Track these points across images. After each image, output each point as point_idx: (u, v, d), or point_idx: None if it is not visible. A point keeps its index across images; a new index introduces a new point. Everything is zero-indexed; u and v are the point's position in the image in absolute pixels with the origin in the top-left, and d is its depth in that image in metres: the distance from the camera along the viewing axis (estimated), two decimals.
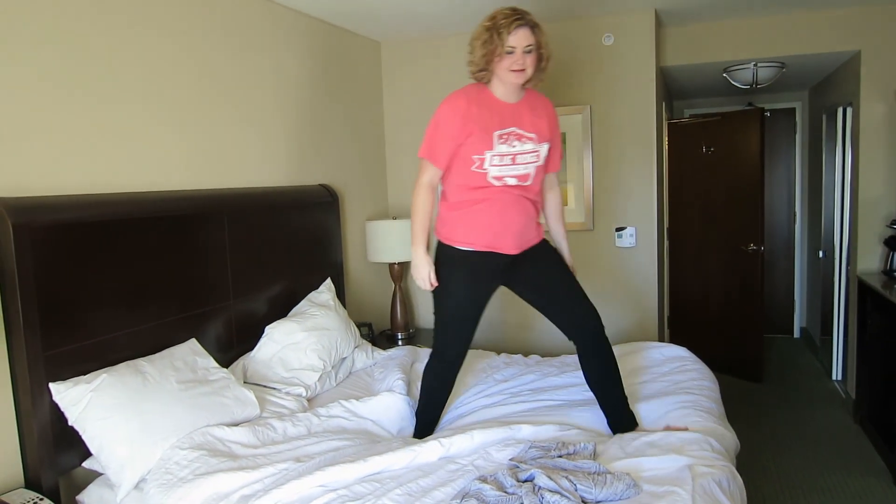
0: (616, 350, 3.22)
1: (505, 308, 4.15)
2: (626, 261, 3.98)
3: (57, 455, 2.11)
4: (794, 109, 5.99)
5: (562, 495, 1.78)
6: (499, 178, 2.31)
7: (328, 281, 3.40)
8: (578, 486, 1.83)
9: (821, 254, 5.13)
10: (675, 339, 4.99)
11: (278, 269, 3.20)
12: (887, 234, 3.86)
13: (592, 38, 3.91)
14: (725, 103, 5.90)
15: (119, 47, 2.43)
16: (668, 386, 2.75)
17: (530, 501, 1.76)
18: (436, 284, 2.41)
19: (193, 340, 2.58)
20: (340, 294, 3.57)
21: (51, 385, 2.08)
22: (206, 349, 2.59)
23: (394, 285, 4.01)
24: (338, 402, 2.69)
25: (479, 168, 2.29)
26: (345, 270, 3.79)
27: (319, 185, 3.60)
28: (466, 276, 2.43)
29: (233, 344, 2.88)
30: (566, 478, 1.86)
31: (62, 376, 2.12)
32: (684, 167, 4.98)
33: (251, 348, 2.92)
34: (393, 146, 4.40)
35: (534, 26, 2.24)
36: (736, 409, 4.24)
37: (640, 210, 3.92)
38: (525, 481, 1.89)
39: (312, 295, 3.26)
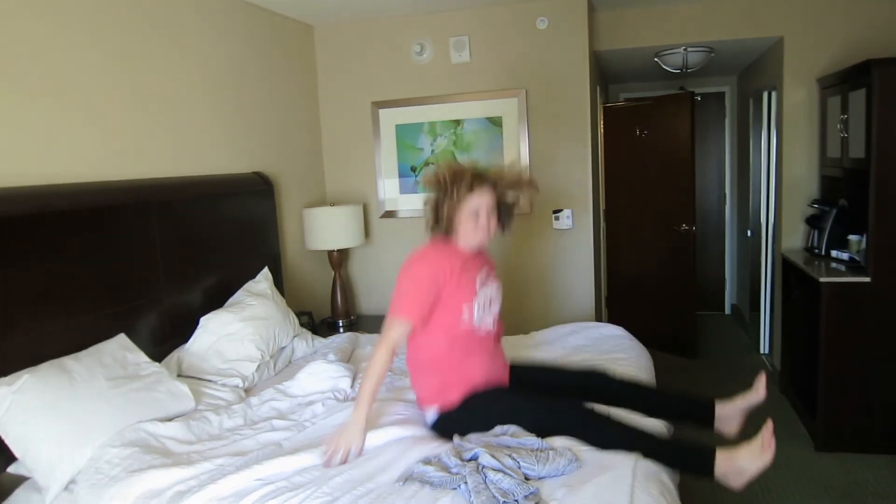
0: (555, 330, 3.31)
1: None
2: (563, 243, 4.04)
3: None
4: (723, 93, 6.17)
5: (505, 473, 1.80)
6: (479, 326, 2.28)
7: (265, 270, 3.34)
8: (522, 463, 1.87)
9: (749, 233, 5.32)
10: (613, 318, 5.10)
11: (212, 260, 3.13)
12: (809, 213, 4.03)
13: (527, 22, 3.92)
14: (658, 87, 6.03)
15: (27, 34, 2.31)
16: (608, 364, 2.81)
17: (474, 480, 1.78)
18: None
19: (122, 336, 2.50)
20: (279, 283, 3.51)
21: None
22: (138, 344, 2.52)
23: (333, 273, 3.98)
24: (271, 387, 2.67)
25: (468, 317, 2.24)
26: (282, 259, 3.73)
27: (253, 172, 3.52)
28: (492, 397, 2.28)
29: (167, 337, 2.81)
30: (509, 455, 1.89)
31: None
32: (619, 150, 5.07)
33: (185, 341, 2.85)
34: (329, 132, 4.34)
35: (495, 184, 2.29)
36: (672, 383, 4.38)
37: (577, 192, 3.99)
38: (469, 461, 1.91)
39: (249, 284, 3.20)
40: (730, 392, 4.20)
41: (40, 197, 2.30)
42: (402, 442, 2.16)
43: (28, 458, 2.02)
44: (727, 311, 6.40)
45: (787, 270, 4.02)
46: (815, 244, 3.86)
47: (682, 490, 2.06)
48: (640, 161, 5.01)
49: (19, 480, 2.12)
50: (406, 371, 2.52)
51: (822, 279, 3.31)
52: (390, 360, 2.20)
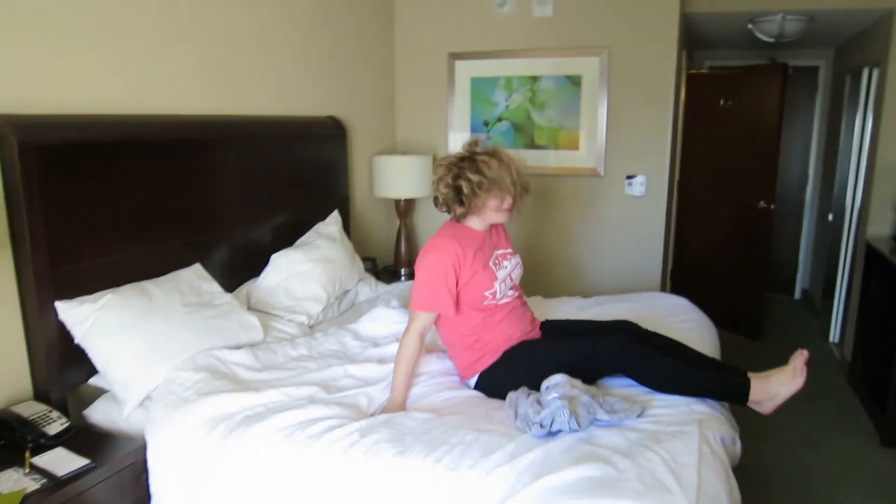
0: (618, 298, 3.26)
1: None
2: (634, 209, 3.95)
3: (64, 371, 2.14)
4: (817, 68, 5.85)
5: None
6: (501, 299, 2.35)
7: (335, 213, 3.39)
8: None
9: (830, 216, 5.09)
10: (676, 291, 5.00)
11: (284, 199, 3.18)
12: None
13: None
14: (745, 57, 5.76)
15: None
16: (674, 334, 2.77)
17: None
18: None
19: (198, 265, 2.58)
20: (346, 227, 3.56)
21: (57, 303, 2.09)
22: (210, 275, 2.60)
23: (399, 221, 4.00)
24: (335, 326, 2.74)
25: (492, 300, 2.31)
26: (350, 204, 3.77)
27: (328, 116, 3.54)
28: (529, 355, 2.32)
29: (237, 271, 2.89)
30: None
31: (68, 295, 2.12)
32: (700, 120, 4.90)
33: (255, 276, 2.93)
34: (403, 81, 4.32)
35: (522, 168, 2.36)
36: (732, 363, 4.28)
37: (653, 159, 3.88)
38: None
39: (319, 226, 3.25)
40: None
41: (136, 125, 2.38)
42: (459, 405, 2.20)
43: (108, 373, 2.13)
44: (797, 295, 6.18)
45: (871, 258, 3.84)
46: None
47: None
48: (720, 132, 4.83)
49: (99, 392, 2.24)
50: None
51: None
52: (419, 347, 2.25)
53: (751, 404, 2.14)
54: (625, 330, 2.36)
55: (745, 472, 2.91)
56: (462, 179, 2.28)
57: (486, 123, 4.14)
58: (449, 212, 2.40)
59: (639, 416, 2.01)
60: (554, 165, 4.03)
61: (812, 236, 5.98)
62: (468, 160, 2.31)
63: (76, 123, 2.16)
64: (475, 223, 2.38)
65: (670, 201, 4.16)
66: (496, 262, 2.37)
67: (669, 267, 4.94)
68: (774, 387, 2.14)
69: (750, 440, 2.23)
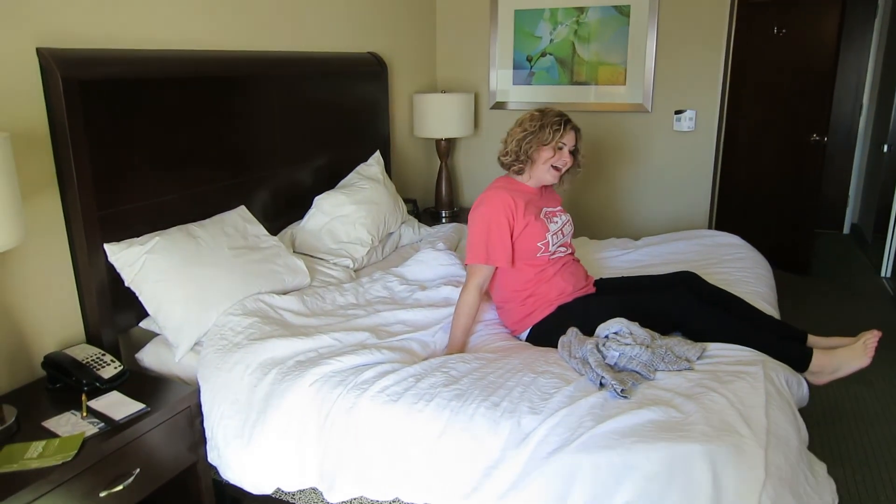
0: (667, 238, 3.17)
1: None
2: (683, 146, 3.80)
3: (115, 314, 2.15)
4: None
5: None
6: (554, 253, 2.33)
7: (377, 154, 3.31)
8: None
9: (885, 148, 4.87)
10: (723, 228, 4.86)
11: (326, 139, 3.11)
12: None
13: None
14: None
15: None
16: (728, 272, 2.69)
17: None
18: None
19: (243, 207, 2.54)
20: (387, 168, 3.48)
21: (105, 246, 2.07)
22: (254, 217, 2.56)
23: (440, 162, 3.91)
24: (381, 270, 2.70)
25: (545, 252, 2.29)
26: (391, 144, 3.69)
27: (368, 53, 3.43)
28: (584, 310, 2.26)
29: (280, 213, 2.85)
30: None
31: (116, 237, 2.11)
32: (751, 49, 4.64)
33: (297, 218, 2.89)
34: (444, 15, 4.15)
35: (578, 130, 2.35)
36: (780, 300, 4.18)
37: (703, 93, 3.70)
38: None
39: (361, 167, 3.18)
40: (842, 314, 3.99)
41: (178, 61, 2.31)
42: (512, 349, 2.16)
43: (160, 316, 2.12)
44: (846, 230, 5.99)
45: None
46: None
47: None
48: (773, 63, 4.58)
49: (150, 335, 2.25)
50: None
51: None
52: (479, 300, 2.23)
53: (807, 374, 2.07)
54: (684, 284, 2.31)
55: (804, 412, 2.87)
56: (524, 127, 2.31)
57: (529, 59, 3.98)
58: (508, 167, 2.39)
59: (699, 357, 1.95)
60: (599, 101, 3.88)
61: (864, 169, 5.74)
62: (539, 113, 2.33)
63: (119, 58, 2.10)
64: (527, 180, 2.37)
65: (720, 136, 3.99)
66: (546, 216, 2.35)
67: (716, 203, 4.79)
68: (838, 361, 2.08)
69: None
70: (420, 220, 3.56)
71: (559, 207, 2.48)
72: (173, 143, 2.31)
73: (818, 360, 2.08)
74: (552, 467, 1.60)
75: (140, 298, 2.13)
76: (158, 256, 2.11)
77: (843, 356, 2.09)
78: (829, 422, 2.88)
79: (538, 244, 2.27)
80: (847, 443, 2.71)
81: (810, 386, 2.11)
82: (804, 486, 1.59)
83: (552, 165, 2.32)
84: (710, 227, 3.97)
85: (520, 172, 2.36)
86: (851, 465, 2.55)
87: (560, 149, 2.31)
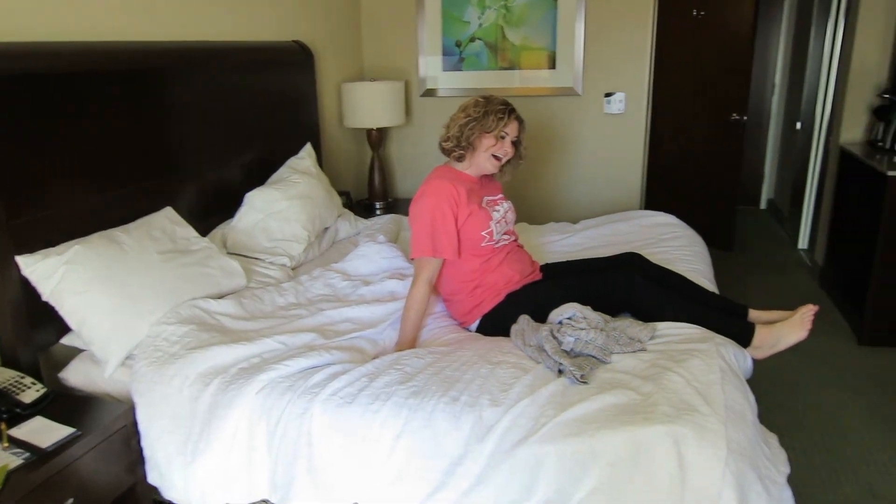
0: (605, 220, 3.20)
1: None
2: (613, 128, 3.84)
3: (33, 332, 1.97)
4: None
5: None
6: (498, 242, 2.30)
7: (308, 146, 3.18)
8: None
9: (798, 125, 5.08)
10: (651, 207, 4.97)
11: (251, 133, 2.97)
12: (876, 104, 3.79)
13: None
14: None
15: None
16: (667, 251, 2.73)
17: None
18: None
19: (170, 209, 2.39)
20: (318, 160, 3.37)
21: (17, 258, 1.90)
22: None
23: (372, 152, 3.81)
24: (320, 267, 2.61)
25: (489, 241, 2.26)
26: (321, 136, 3.56)
27: (293, 41, 3.29)
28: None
29: (209, 212, 2.70)
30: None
31: (29, 248, 1.93)
32: (673, 32, 4.74)
33: (228, 217, 2.75)
34: (369, 1, 4.04)
35: (522, 121, 2.32)
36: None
37: (631, 76, 3.75)
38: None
39: (293, 161, 3.05)
40: (767, 286, 4.15)
41: (89, 53, 2.14)
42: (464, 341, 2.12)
43: (84, 331, 1.96)
44: (762, 205, 6.25)
45: (845, 163, 3.84)
46: (880, 137, 3.65)
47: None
48: (693, 45, 4.70)
49: (74, 352, 2.08)
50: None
51: (889, 173, 3.14)
52: (429, 295, 2.18)
53: (749, 350, 2.11)
54: (629, 265, 2.32)
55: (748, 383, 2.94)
56: (467, 113, 2.27)
57: (458, 44, 3.92)
58: (448, 153, 2.32)
59: (650, 338, 1.95)
60: (530, 86, 3.86)
61: (778, 146, 5.99)
62: (484, 100, 2.28)
63: (24, 52, 1.91)
64: (466, 168, 2.32)
65: (648, 117, 4.06)
66: (489, 205, 2.32)
67: (646, 184, 4.90)
68: (778, 335, 2.14)
69: None
70: (354, 213, 3.46)
71: (500, 195, 2.44)
72: (89, 143, 2.13)
73: (760, 335, 2.13)
74: (517, 459, 1.57)
75: (61, 313, 1.96)
76: (79, 266, 1.95)
77: (782, 330, 2.15)
78: (760, 391, 2.97)
79: (482, 233, 2.23)
80: (779, 410, 2.81)
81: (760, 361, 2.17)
82: (762, 459, 1.62)
83: (493, 155, 2.27)
84: (641, 206, 4.04)
85: (460, 159, 2.31)
86: (787, 431, 2.64)
87: (502, 138, 2.26)
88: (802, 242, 4.92)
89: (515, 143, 2.32)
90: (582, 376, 1.72)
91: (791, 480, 2.28)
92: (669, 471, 1.50)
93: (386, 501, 1.69)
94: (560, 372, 1.78)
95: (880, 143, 3.64)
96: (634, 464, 1.51)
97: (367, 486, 1.69)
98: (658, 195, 5.05)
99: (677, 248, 2.79)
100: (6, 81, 1.84)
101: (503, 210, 2.37)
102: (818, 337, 3.46)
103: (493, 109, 2.23)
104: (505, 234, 2.35)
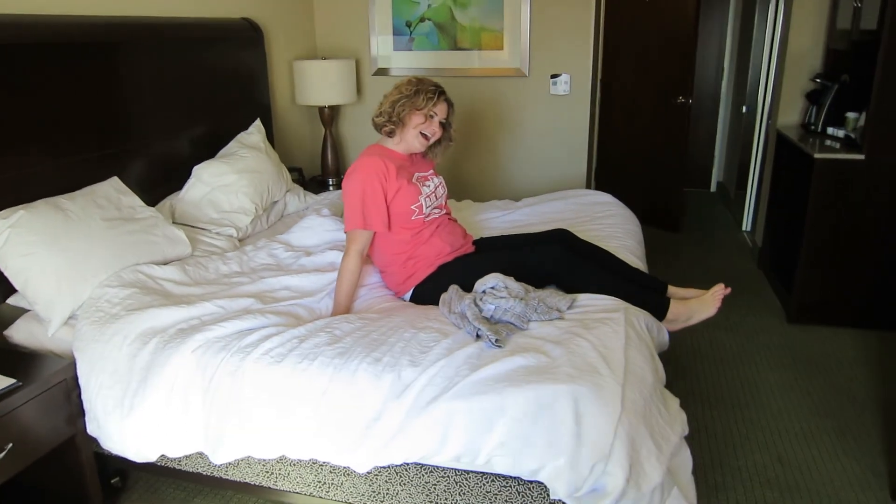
0: (544, 198, 3.32)
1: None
2: (559, 109, 3.97)
3: None
4: None
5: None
6: (428, 215, 2.41)
7: (258, 122, 3.26)
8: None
9: (744, 109, 5.25)
10: (602, 186, 5.12)
11: (202, 108, 3.04)
12: (809, 89, 3.96)
13: None
14: None
15: None
16: (600, 228, 2.86)
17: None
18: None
19: (116, 179, 2.46)
20: (269, 137, 3.45)
21: None
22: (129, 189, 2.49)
23: (324, 129, 3.90)
24: (265, 238, 2.70)
25: (419, 214, 2.36)
26: (273, 113, 3.64)
27: (242, 18, 3.35)
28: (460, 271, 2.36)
29: (157, 185, 2.78)
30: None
31: None
32: (621, 17, 4.87)
33: (177, 189, 2.83)
34: None
35: (452, 105, 2.43)
36: (654, 255, 4.48)
37: (576, 57, 3.87)
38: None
39: (242, 136, 3.13)
40: (709, 266, 4.32)
41: (37, 26, 2.20)
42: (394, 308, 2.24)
43: (28, 291, 2.05)
44: (713, 188, 6.45)
45: (780, 147, 4.01)
46: (812, 120, 3.83)
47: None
48: (641, 29, 4.83)
49: (19, 311, 2.17)
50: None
51: (816, 155, 3.31)
52: (360, 265, 2.29)
53: (664, 322, 2.27)
54: (557, 240, 2.44)
55: (668, 355, 3.09)
56: (400, 91, 2.36)
57: (408, 24, 4.01)
58: (380, 129, 2.42)
59: (569, 307, 2.09)
60: (478, 67, 3.97)
61: (727, 129, 6.18)
62: (416, 80, 2.38)
63: None
64: (397, 144, 2.43)
65: (594, 99, 4.19)
66: (419, 181, 2.43)
67: (594, 165, 5.04)
68: (690, 310, 2.30)
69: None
70: (307, 189, 3.55)
71: (431, 171, 2.55)
72: (38, 114, 2.21)
73: (674, 309, 2.29)
74: (431, 415, 1.69)
75: (6, 274, 2.05)
76: (24, 230, 2.03)
77: (694, 306, 2.31)
78: (689, 364, 3.15)
79: (412, 207, 2.34)
80: (705, 382, 2.98)
81: (675, 333, 2.33)
82: (657, 418, 1.75)
83: (421, 132, 2.38)
84: (588, 186, 4.18)
85: (391, 135, 2.41)
86: (709, 402, 2.82)
87: (431, 117, 2.37)
88: (746, 224, 5.11)
89: (444, 125, 2.43)
90: (497, 340, 1.85)
91: (702, 445, 2.45)
92: (567, 425, 1.63)
93: (311, 453, 1.81)
94: (478, 336, 1.91)
95: (812, 127, 3.81)
96: (536, 419, 1.65)
97: (293, 439, 1.81)
98: (607, 176, 5.21)
99: (610, 225, 2.93)
100: None
101: (433, 185, 2.48)
102: (751, 315, 3.65)
103: (424, 89, 2.34)
104: (436, 208, 2.46)
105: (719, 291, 2.35)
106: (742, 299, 3.87)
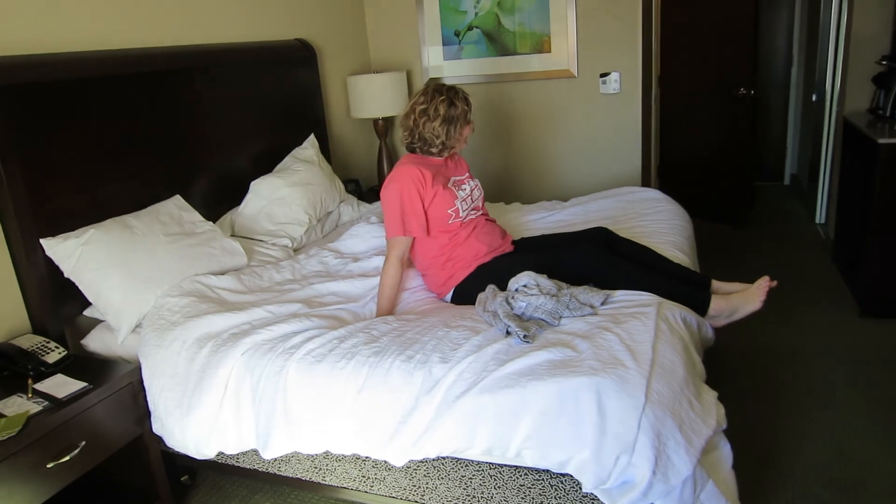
0: (592, 197, 3.32)
1: (492, 159, 4.19)
2: (610, 108, 3.95)
3: (58, 304, 2.27)
4: None
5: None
6: (465, 218, 2.47)
7: (311, 137, 3.42)
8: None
9: (813, 97, 5.05)
10: (664, 187, 5.04)
11: (260, 127, 3.22)
12: (877, 72, 3.79)
13: None
14: None
15: None
16: (646, 224, 2.84)
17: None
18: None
19: (178, 197, 2.66)
20: (325, 151, 3.60)
21: (42, 241, 2.19)
22: (191, 205, 2.67)
23: (379, 141, 4.03)
24: (317, 247, 2.83)
25: (456, 218, 2.43)
26: (328, 127, 3.80)
27: (296, 39, 3.52)
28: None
29: (219, 201, 2.97)
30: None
31: (52, 232, 2.23)
32: (677, 11, 4.80)
33: (237, 205, 3.01)
34: None
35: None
36: (718, 252, 4.38)
37: (626, 54, 3.84)
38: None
39: (296, 151, 3.30)
40: (781, 261, 4.18)
41: (101, 61, 2.41)
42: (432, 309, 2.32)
43: (100, 303, 2.24)
44: (786, 181, 6.20)
45: (848, 134, 3.85)
46: (881, 105, 3.66)
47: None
48: (697, 21, 4.73)
49: (94, 322, 2.38)
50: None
51: (881, 140, 3.17)
52: (400, 271, 2.37)
53: (707, 318, 2.23)
54: (594, 239, 2.46)
55: (736, 352, 3.01)
56: (452, 108, 2.44)
57: (456, 33, 4.10)
58: (425, 147, 2.49)
59: (602, 303, 2.10)
60: (527, 70, 4.01)
61: (798, 119, 5.94)
62: (445, 91, 2.46)
63: (39, 63, 2.20)
64: (435, 153, 2.51)
65: (647, 96, 4.14)
66: (454, 185, 2.50)
67: (654, 163, 4.96)
68: (734, 305, 2.26)
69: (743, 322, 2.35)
70: (363, 199, 3.68)
71: (467, 174, 2.63)
72: (107, 141, 2.42)
73: (716, 305, 2.25)
74: (460, 409, 1.75)
75: (80, 288, 2.25)
76: (94, 247, 2.23)
77: (737, 300, 2.27)
78: (755, 360, 3.06)
79: (448, 211, 2.41)
80: (770, 379, 2.89)
81: (726, 328, 2.30)
82: (687, 411, 1.73)
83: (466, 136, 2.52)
84: (643, 184, 4.12)
85: (420, 150, 2.51)
86: (771, 398, 2.74)
87: (469, 122, 2.51)
88: (819, 217, 4.91)
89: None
90: (525, 336, 1.90)
91: (755, 439, 2.39)
92: (591, 417, 1.66)
93: (352, 448, 1.91)
94: (508, 333, 1.96)
95: (881, 112, 3.64)
96: (560, 412, 1.68)
97: (334, 435, 1.91)
98: (670, 173, 5.12)
99: (656, 221, 2.90)
100: (27, 89, 2.12)
101: (469, 188, 2.55)
102: (823, 309, 3.52)
103: (459, 99, 2.46)
104: (472, 210, 2.52)
105: (764, 284, 2.29)
106: (813, 294, 3.73)
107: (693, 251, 2.82)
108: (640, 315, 1.98)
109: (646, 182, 4.14)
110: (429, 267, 2.47)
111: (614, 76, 3.87)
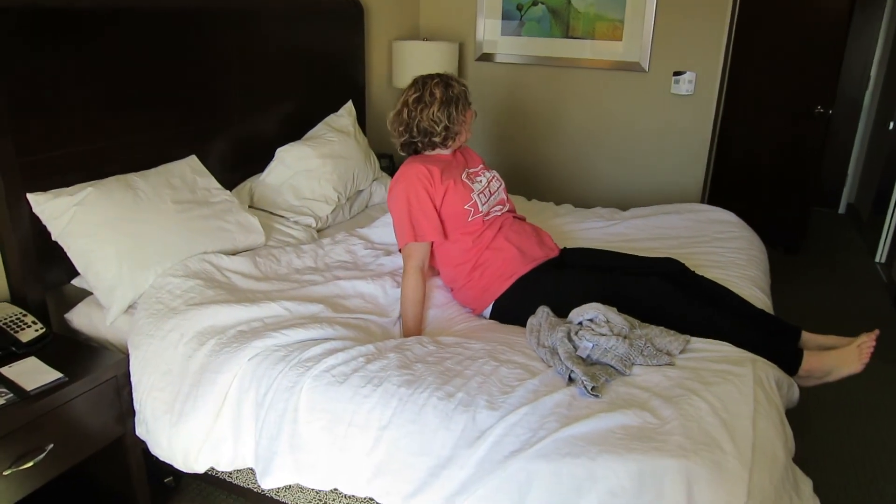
0: (657, 210, 2.97)
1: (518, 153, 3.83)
2: (680, 110, 3.57)
3: (43, 270, 1.96)
4: None
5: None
6: (488, 214, 2.18)
7: (349, 104, 3.06)
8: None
9: (892, 125, 4.65)
10: (715, 198, 4.67)
11: (292, 86, 2.86)
12: None
13: None
14: None
15: None
16: (720, 252, 2.50)
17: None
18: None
19: (194, 157, 2.31)
20: (361, 121, 3.25)
21: (29, 196, 1.87)
22: (208, 168, 2.34)
23: None
24: (345, 231, 2.51)
25: (476, 214, 2.14)
26: (367, 95, 3.43)
27: None
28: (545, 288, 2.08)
29: (238, 165, 2.63)
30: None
31: (42, 186, 1.90)
32: (758, 10, 4.38)
33: (258, 171, 2.67)
34: None
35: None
36: (772, 277, 4.02)
37: (705, 54, 3.45)
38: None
39: (331, 118, 2.93)
40: (835, 300, 3.84)
41: None
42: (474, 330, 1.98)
43: (90, 275, 1.92)
44: (841, 209, 5.81)
45: None
46: None
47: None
48: (779, 27, 4.32)
49: (83, 293, 2.06)
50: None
51: None
52: (422, 283, 2.04)
53: (796, 378, 1.88)
54: (667, 273, 2.11)
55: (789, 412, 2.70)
56: (449, 88, 2.18)
57: (519, 7, 3.69)
58: (427, 140, 2.20)
59: (681, 351, 1.77)
60: (592, 58, 3.62)
61: (866, 145, 5.53)
62: (437, 76, 2.20)
63: None
64: (439, 149, 2.24)
65: (720, 102, 3.76)
66: (469, 177, 2.19)
67: (710, 175, 4.59)
68: (830, 365, 1.91)
69: None
70: None
71: (481, 166, 2.33)
72: (115, 85, 2.08)
73: (809, 363, 1.90)
74: (507, 472, 1.43)
75: (69, 254, 1.93)
76: (89, 209, 1.90)
77: (835, 360, 1.92)
78: (807, 418, 2.74)
79: (465, 207, 2.10)
80: (827, 444, 2.58)
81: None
82: None
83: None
84: (703, 198, 3.77)
85: (444, 146, 2.22)
86: (832, 468, 2.42)
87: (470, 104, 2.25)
88: (881, 255, 4.54)
89: None
90: (594, 388, 1.56)
91: None
92: None
93: (367, 491, 1.59)
94: (570, 380, 1.62)
95: None
96: (637, 496, 1.36)
97: (347, 475, 1.59)
98: (723, 187, 4.75)
99: (732, 249, 2.55)
100: (28, 13, 1.78)
101: (486, 180, 2.24)
102: (882, 361, 3.18)
103: (455, 83, 2.20)
104: (497, 204, 2.22)
105: (868, 342, 1.92)
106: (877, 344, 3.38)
107: (768, 289, 2.47)
108: (732, 376, 1.64)
109: (703, 196, 3.77)
110: (456, 278, 2.14)
111: (689, 76, 3.48)
